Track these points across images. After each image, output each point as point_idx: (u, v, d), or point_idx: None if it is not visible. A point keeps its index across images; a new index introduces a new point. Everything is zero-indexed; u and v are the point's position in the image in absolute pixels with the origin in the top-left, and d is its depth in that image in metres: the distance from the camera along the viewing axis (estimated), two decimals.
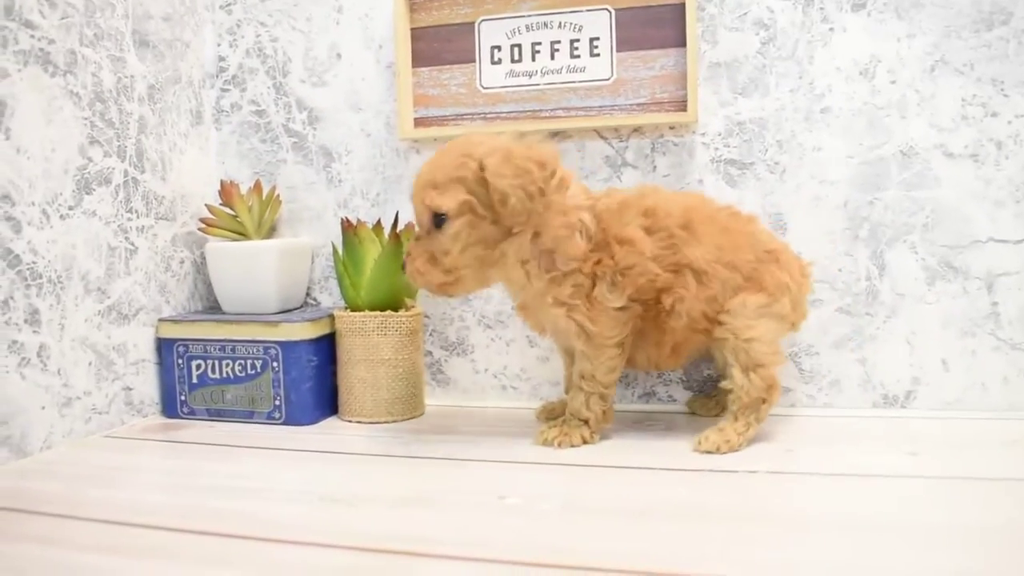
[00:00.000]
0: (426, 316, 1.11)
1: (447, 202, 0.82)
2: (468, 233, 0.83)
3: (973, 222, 0.96)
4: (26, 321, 0.87)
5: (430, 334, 1.12)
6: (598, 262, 0.84)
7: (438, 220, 0.83)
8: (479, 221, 0.83)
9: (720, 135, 1.01)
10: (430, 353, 1.12)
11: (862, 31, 0.97)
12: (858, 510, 0.67)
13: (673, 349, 0.89)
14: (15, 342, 0.86)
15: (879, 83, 0.97)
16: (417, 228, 0.87)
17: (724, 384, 0.87)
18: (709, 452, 0.83)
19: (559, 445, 0.87)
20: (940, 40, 0.96)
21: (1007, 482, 0.73)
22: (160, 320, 1.05)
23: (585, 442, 0.88)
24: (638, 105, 1.02)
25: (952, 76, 0.96)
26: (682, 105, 1.00)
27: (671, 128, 1.03)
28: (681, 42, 1.00)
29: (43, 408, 0.89)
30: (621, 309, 0.85)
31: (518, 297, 0.90)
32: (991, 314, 0.96)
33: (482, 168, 0.81)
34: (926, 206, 0.97)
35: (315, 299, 1.17)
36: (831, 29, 0.98)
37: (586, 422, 0.89)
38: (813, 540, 0.61)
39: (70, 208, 0.93)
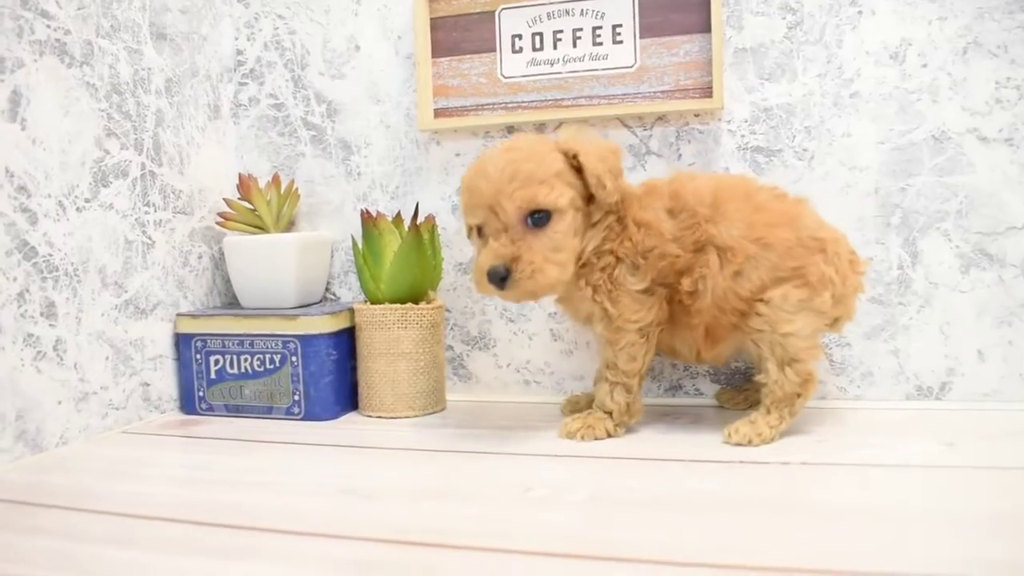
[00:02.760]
0: (447, 310, 1.10)
1: (559, 198, 0.80)
2: (577, 226, 0.83)
3: (1008, 208, 0.93)
4: (42, 314, 0.86)
5: (451, 328, 1.10)
6: (620, 243, 0.83)
7: (539, 218, 0.80)
8: (577, 214, 0.83)
9: (746, 122, 0.99)
10: (451, 348, 1.10)
11: (892, 14, 0.95)
12: (892, 500, 0.65)
13: (707, 333, 0.86)
14: (31, 335, 0.85)
15: (910, 67, 0.95)
16: (483, 228, 0.83)
17: (759, 378, 0.84)
18: (740, 444, 0.80)
19: (582, 437, 0.85)
20: (972, 22, 0.93)
21: None
22: (178, 315, 1.04)
23: (609, 435, 0.86)
24: (662, 92, 1.00)
25: (985, 59, 0.93)
26: (707, 92, 0.98)
27: (696, 115, 1.00)
28: (706, 28, 0.97)
29: (59, 403, 0.88)
30: (644, 292, 0.83)
31: None
32: None
33: (575, 157, 0.81)
34: (960, 192, 0.94)
35: (334, 294, 1.15)
36: (860, 12, 0.96)
37: (610, 414, 0.87)
38: (847, 531, 0.59)
39: (86, 201, 0.92)
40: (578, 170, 0.82)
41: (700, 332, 0.86)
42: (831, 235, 0.85)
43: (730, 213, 0.83)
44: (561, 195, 0.80)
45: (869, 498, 0.65)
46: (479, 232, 0.84)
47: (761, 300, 0.82)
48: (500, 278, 0.79)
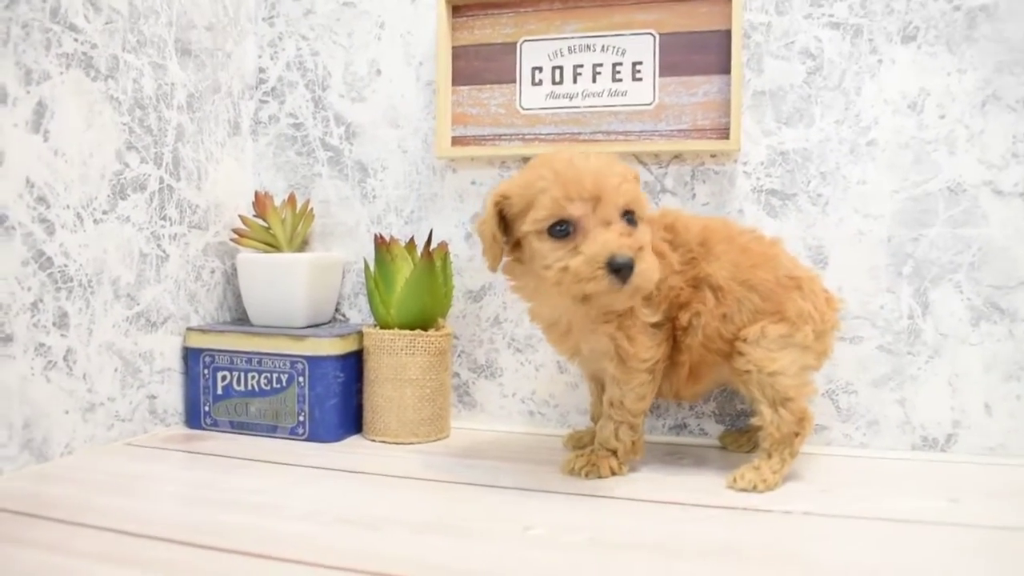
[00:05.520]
0: (455, 337, 1.10)
1: (646, 204, 0.80)
2: None
3: (1021, 262, 0.93)
4: (54, 324, 0.87)
5: (458, 355, 1.10)
6: None
7: (630, 218, 0.76)
8: None
9: (762, 164, 0.99)
10: (458, 375, 1.11)
11: (911, 64, 0.95)
12: (894, 558, 0.64)
13: (691, 372, 0.86)
14: (42, 345, 0.85)
15: (927, 117, 0.95)
16: (577, 222, 0.75)
17: (754, 420, 0.84)
18: (745, 490, 0.80)
19: (586, 475, 0.85)
20: (992, 75, 0.93)
21: None
22: (188, 329, 1.05)
23: (613, 473, 0.85)
24: (679, 131, 1.00)
25: (1003, 112, 0.93)
26: (724, 133, 0.98)
27: (712, 156, 1.01)
28: (725, 69, 0.98)
29: (66, 413, 0.88)
30: (656, 325, 0.83)
31: (559, 317, 0.86)
32: None
33: (636, 177, 0.80)
34: (973, 244, 0.94)
35: (344, 315, 1.16)
36: (880, 61, 0.96)
37: (614, 453, 0.86)
38: None
39: (104, 213, 0.93)
40: None
41: (685, 371, 0.86)
42: (806, 274, 0.87)
43: (720, 254, 0.84)
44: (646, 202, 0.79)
45: (869, 555, 0.65)
46: (553, 231, 0.75)
47: (738, 338, 0.83)
48: (629, 268, 0.72)
